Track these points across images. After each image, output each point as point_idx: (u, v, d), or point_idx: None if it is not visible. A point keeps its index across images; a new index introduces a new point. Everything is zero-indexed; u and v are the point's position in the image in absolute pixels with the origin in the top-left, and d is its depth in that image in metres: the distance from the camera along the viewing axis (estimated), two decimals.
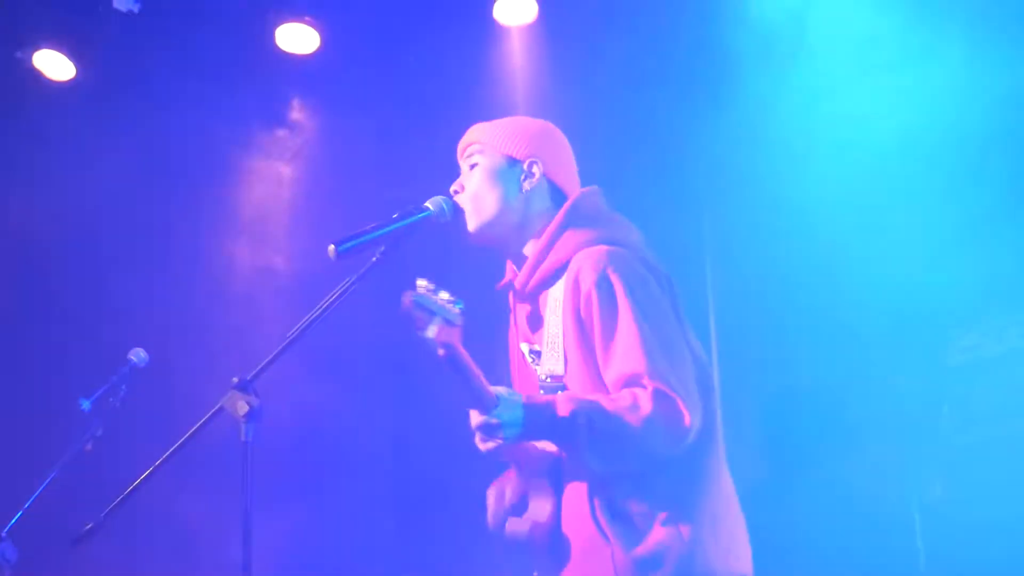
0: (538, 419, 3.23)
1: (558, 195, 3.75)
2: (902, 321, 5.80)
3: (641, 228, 3.74)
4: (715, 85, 6.40)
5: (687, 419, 3.23)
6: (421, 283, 3.04)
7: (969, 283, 5.59)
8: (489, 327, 3.90)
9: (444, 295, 3.04)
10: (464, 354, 3.11)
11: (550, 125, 3.89)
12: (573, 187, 3.80)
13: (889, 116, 5.78)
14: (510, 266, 3.80)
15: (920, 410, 5.72)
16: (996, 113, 5.53)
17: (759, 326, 6.43)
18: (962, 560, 5.30)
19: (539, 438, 3.33)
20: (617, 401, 3.25)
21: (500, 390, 3.23)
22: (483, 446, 3.36)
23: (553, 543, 3.47)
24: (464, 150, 3.82)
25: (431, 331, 2.99)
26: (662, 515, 3.31)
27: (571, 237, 3.58)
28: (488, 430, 3.24)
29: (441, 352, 3.02)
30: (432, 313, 3.00)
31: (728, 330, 6.59)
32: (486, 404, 3.19)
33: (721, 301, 6.66)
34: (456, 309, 3.04)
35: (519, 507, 3.58)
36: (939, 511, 5.49)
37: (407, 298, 3.00)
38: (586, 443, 3.21)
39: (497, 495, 3.65)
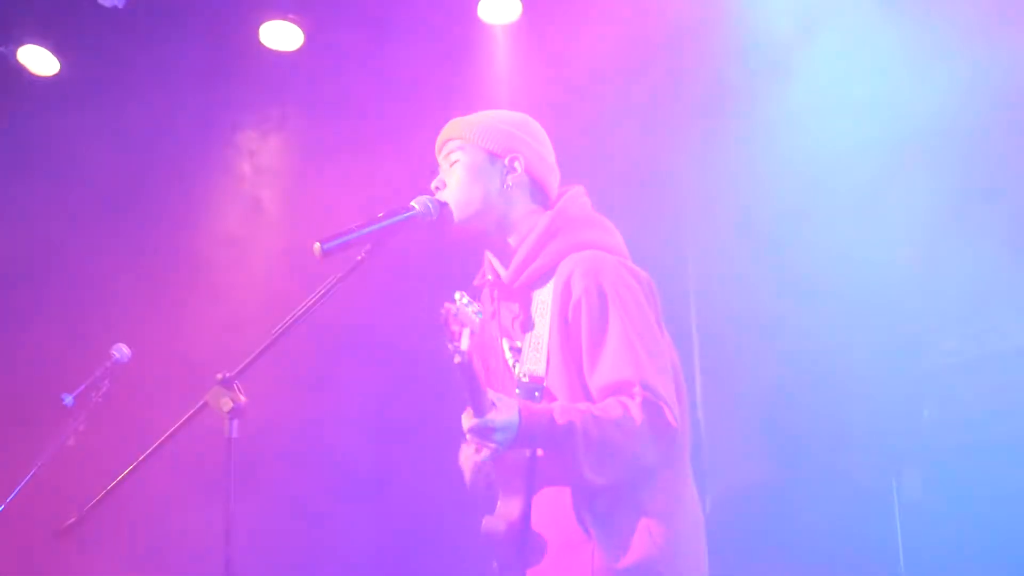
0: (534, 427, 3.24)
1: (537, 188, 3.78)
2: (883, 325, 5.82)
3: (623, 231, 3.78)
4: (701, 87, 6.41)
5: (674, 426, 3.28)
6: (458, 296, 3.10)
7: (950, 287, 5.61)
8: None
9: (472, 307, 3.09)
10: (476, 361, 3.14)
11: (528, 117, 3.90)
12: (552, 179, 3.82)
13: (870, 127, 5.81)
14: (489, 261, 3.81)
15: (901, 413, 5.75)
16: (978, 121, 5.55)
17: (739, 334, 6.44)
18: (941, 561, 5.32)
19: (533, 446, 3.35)
20: (608, 411, 3.27)
21: (497, 395, 3.24)
22: (476, 454, 3.38)
23: (525, 540, 3.50)
24: (443, 146, 3.82)
25: (464, 343, 3.02)
26: (641, 519, 3.34)
27: (561, 240, 3.60)
28: (482, 433, 3.23)
29: (457, 360, 3.04)
30: (464, 325, 3.04)
31: (709, 334, 6.61)
32: (483, 407, 3.19)
33: (702, 304, 6.67)
34: (478, 320, 3.08)
35: (492, 505, 3.60)
36: (919, 512, 5.51)
37: (447, 311, 3.04)
38: (582, 453, 3.23)
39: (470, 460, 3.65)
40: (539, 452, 3.43)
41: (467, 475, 3.66)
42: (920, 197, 5.69)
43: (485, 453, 3.33)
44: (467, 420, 3.23)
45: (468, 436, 3.28)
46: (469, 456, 3.65)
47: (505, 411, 3.22)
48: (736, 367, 6.46)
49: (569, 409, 3.30)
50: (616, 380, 3.33)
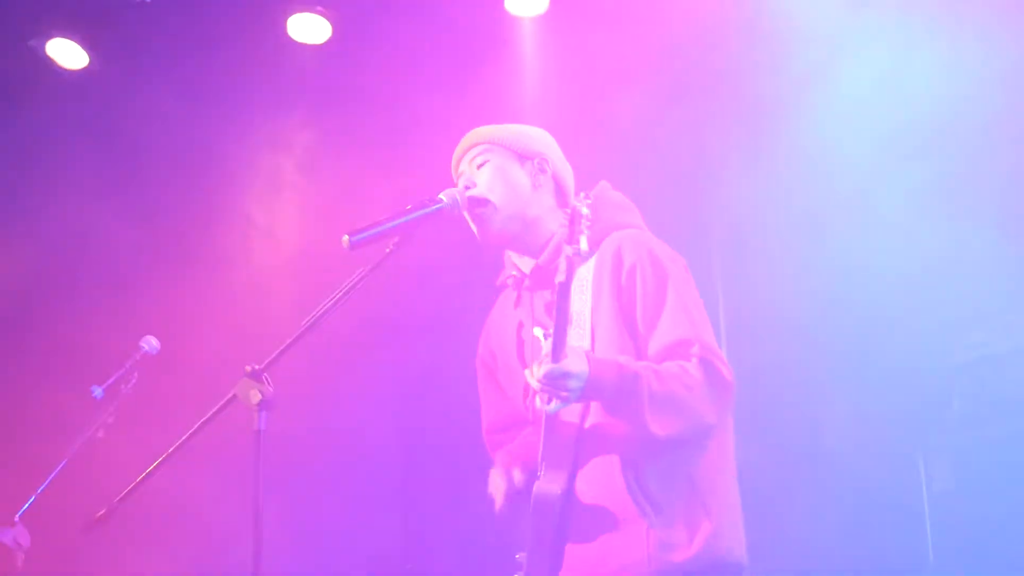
0: (603, 375, 3.28)
1: (560, 192, 3.88)
2: (914, 318, 5.80)
3: (649, 220, 3.88)
4: (730, 87, 6.39)
5: (729, 379, 3.39)
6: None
7: (978, 280, 5.60)
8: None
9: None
10: (571, 292, 3.25)
11: (543, 131, 4.01)
12: (572, 186, 3.93)
13: (897, 121, 5.80)
14: (510, 260, 3.84)
15: (930, 405, 5.74)
16: (1012, 120, 5.53)
17: (767, 329, 6.42)
18: (971, 552, 5.32)
19: (599, 396, 3.36)
20: (668, 369, 3.36)
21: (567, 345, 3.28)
22: (546, 405, 3.35)
23: (577, 515, 3.49)
24: (465, 153, 3.87)
25: (563, 270, 3.20)
26: (693, 496, 3.40)
27: (602, 221, 3.64)
28: (556, 380, 3.24)
29: (561, 278, 3.18)
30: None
31: (737, 329, 6.58)
32: (559, 352, 3.23)
33: (730, 299, 6.65)
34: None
35: (532, 479, 3.58)
36: (948, 504, 5.50)
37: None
38: (647, 404, 3.28)
39: (504, 475, 3.65)
40: (571, 417, 3.46)
41: (497, 502, 3.66)
42: (950, 192, 5.67)
43: (555, 404, 3.32)
44: (539, 369, 3.25)
45: (538, 386, 3.28)
46: (499, 483, 3.65)
47: (577, 359, 3.26)
48: (764, 361, 6.43)
49: (633, 361, 3.38)
50: (676, 339, 3.42)
